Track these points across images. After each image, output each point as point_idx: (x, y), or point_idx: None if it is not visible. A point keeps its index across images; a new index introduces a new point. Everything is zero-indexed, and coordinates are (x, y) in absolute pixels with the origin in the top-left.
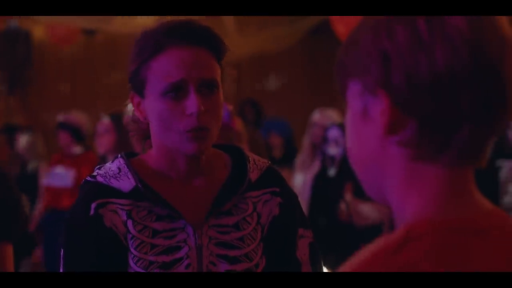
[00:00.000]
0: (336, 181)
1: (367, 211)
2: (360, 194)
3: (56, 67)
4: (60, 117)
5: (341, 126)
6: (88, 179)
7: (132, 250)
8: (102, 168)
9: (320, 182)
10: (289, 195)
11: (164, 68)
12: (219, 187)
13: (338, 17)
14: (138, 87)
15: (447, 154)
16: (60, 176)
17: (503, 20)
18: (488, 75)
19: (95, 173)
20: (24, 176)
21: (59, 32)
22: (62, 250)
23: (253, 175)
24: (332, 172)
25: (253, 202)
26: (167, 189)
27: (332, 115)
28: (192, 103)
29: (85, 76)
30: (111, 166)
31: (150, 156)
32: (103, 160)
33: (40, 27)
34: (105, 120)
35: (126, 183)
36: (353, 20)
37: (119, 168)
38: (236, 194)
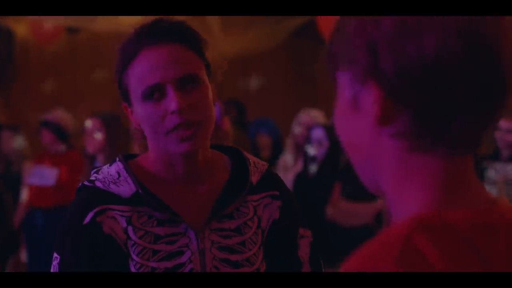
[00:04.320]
0: (316, 181)
1: (354, 211)
2: (347, 194)
3: (39, 65)
4: (43, 116)
5: (325, 127)
6: (86, 183)
7: (133, 257)
8: (100, 172)
9: (301, 182)
10: (288, 197)
11: (139, 73)
12: (220, 190)
13: (323, 18)
14: (124, 95)
15: (443, 145)
16: (43, 175)
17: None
18: (483, 62)
19: (93, 178)
20: (8, 175)
21: (42, 30)
22: (58, 257)
23: (254, 178)
24: (313, 172)
25: (253, 206)
26: (167, 193)
27: (316, 115)
28: (171, 100)
29: (68, 75)
30: (109, 170)
31: (148, 159)
32: (91, 159)
33: (23, 25)
34: (94, 119)
35: (126, 189)
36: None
37: (118, 173)
38: (238, 198)
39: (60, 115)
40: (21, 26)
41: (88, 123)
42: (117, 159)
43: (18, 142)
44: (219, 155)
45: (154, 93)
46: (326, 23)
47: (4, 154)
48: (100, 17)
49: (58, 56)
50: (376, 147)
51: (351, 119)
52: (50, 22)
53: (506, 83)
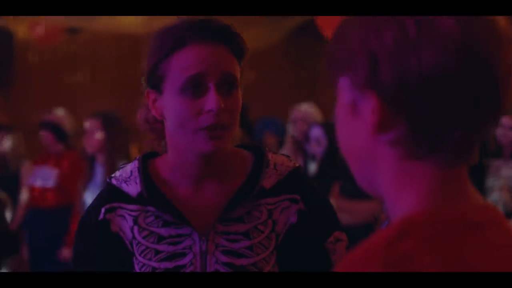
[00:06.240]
0: (317, 179)
1: (353, 210)
2: (346, 193)
3: (39, 66)
4: (42, 116)
5: (324, 125)
6: (107, 180)
7: (137, 255)
8: (121, 169)
9: None
10: (314, 202)
11: (184, 63)
12: (233, 193)
13: (324, 18)
14: (156, 82)
15: (438, 155)
16: (43, 176)
17: (500, 19)
18: (479, 77)
19: (113, 174)
20: (6, 175)
21: (42, 30)
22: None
23: (269, 182)
24: (313, 170)
25: (268, 209)
26: (179, 194)
27: (312, 111)
28: (211, 99)
29: (68, 75)
30: (127, 168)
31: (166, 158)
32: (91, 159)
33: (23, 26)
34: (93, 120)
35: (133, 188)
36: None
37: (131, 172)
38: (245, 202)
39: (59, 115)
40: (21, 27)
41: (88, 124)
42: (137, 157)
43: (10, 142)
44: (243, 155)
45: (194, 86)
46: (326, 22)
47: (1, 155)
48: (100, 18)
49: (58, 57)
50: (373, 153)
51: (349, 123)
52: (50, 22)
53: (500, 97)
